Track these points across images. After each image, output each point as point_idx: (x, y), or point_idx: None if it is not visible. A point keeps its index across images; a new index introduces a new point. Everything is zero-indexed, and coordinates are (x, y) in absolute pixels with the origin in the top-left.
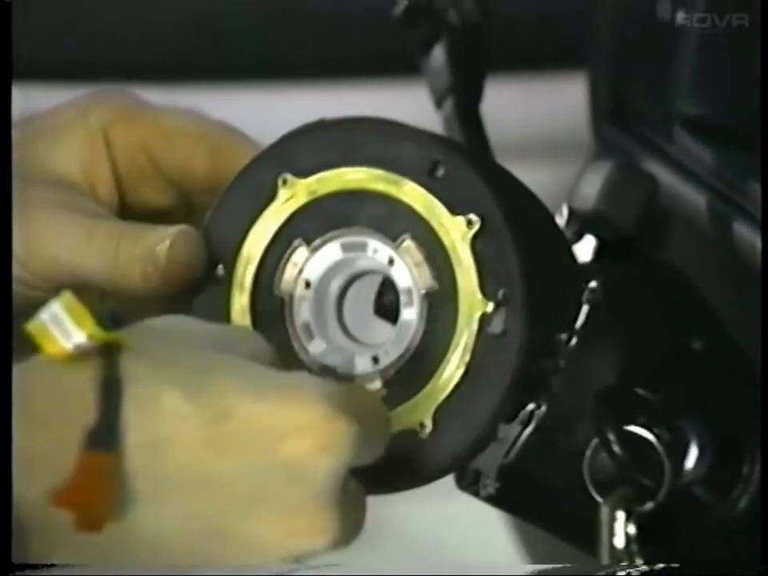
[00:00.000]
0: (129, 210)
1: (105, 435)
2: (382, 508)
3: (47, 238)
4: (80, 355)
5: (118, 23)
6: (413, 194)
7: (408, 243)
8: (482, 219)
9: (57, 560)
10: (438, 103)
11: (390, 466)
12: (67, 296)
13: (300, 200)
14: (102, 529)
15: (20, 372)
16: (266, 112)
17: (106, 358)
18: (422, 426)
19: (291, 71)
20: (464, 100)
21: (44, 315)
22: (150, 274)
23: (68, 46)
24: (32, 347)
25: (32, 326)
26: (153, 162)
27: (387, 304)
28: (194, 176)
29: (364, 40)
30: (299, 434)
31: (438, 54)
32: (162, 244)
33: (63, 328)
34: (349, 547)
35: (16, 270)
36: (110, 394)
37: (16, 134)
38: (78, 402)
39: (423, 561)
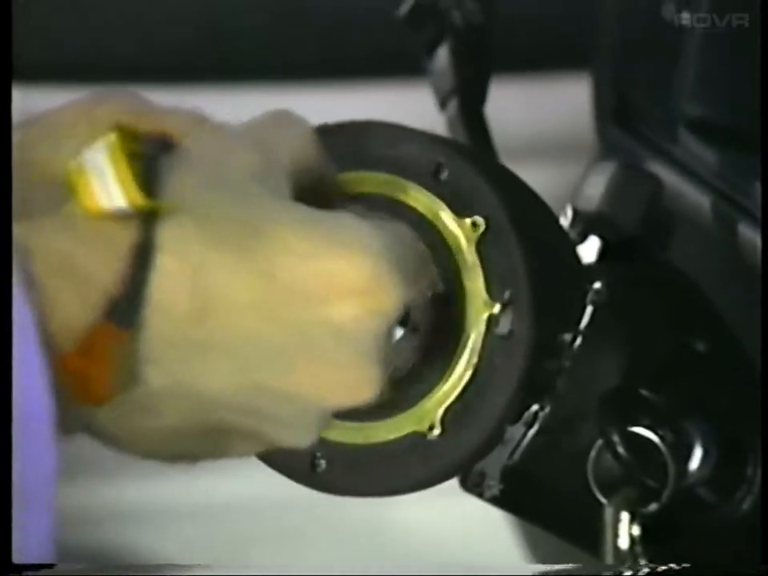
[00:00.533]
0: None
1: (126, 309)
2: (387, 509)
3: None
4: (117, 216)
5: (118, 23)
6: (418, 197)
7: None
8: (487, 221)
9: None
10: (442, 104)
11: (399, 468)
12: (113, 142)
13: None
14: (105, 404)
15: (51, 222)
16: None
17: (144, 224)
18: (431, 428)
19: (293, 72)
20: (468, 101)
21: (88, 160)
22: None
23: (68, 47)
24: (66, 189)
25: (73, 168)
26: None
27: None
28: None
29: (367, 41)
30: (348, 297)
31: (442, 55)
32: None
33: (105, 183)
34: None
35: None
36: (141, 265)
37: (18, 135)
38: (107, 263)
39: (427, 562)
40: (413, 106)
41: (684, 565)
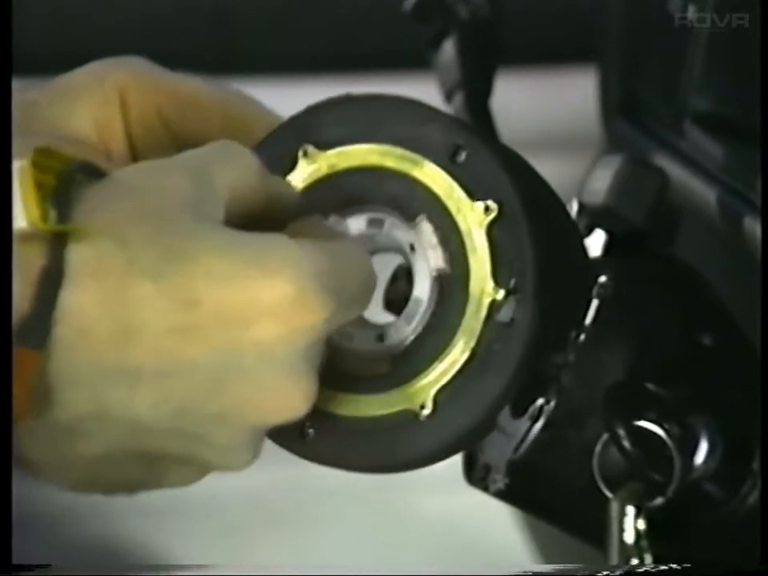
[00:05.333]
0: None
1: (33, 331)
2: (390, 504)
3: None
4: (25, 237)
5: (124, 13)
6: (432, 176)
7: (424, 224)
8: (500, 207)
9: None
10: (448, 97)
11: (386, 446)
12: (24, 165)
13: (319, 173)
14: (20, 422)
15: None
16: (274, 106)
17: (53, 248)
18: (422, 407)
19: (299, 65)
20: (474, 94)
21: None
22: None
23: (69, 41)
24: None
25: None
26: (167, 127)
27: (398, 296)
28: (208, 143)
29: (374, 34)
30: (268, 318)
31: (448, 49)
32: None
33: (16, 204)
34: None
35: None
36: (48, 289)
37: (32, 95)
38: (22, 286)
39: (432, 558)
40: (422, 99)
41: (689, 560)
